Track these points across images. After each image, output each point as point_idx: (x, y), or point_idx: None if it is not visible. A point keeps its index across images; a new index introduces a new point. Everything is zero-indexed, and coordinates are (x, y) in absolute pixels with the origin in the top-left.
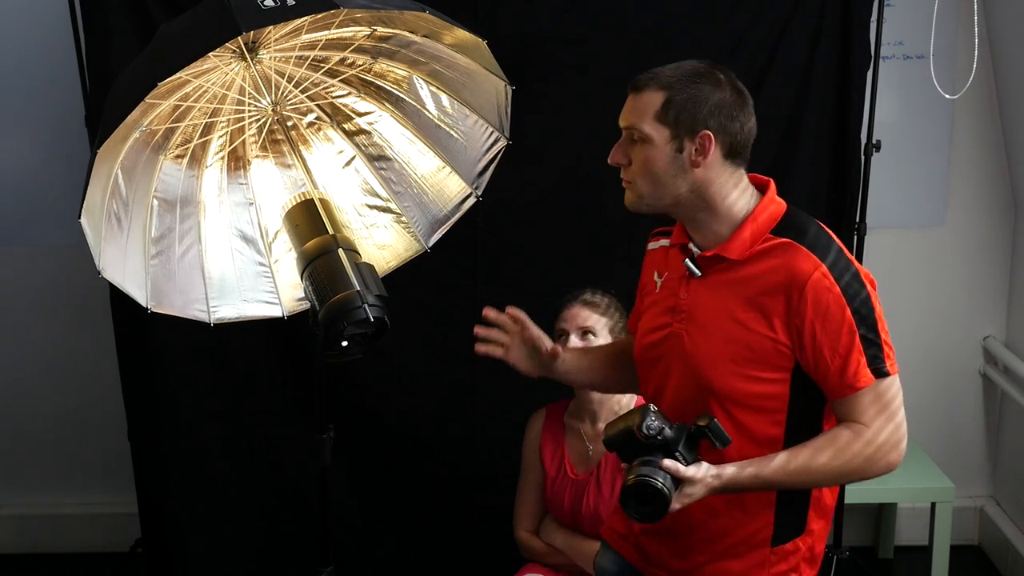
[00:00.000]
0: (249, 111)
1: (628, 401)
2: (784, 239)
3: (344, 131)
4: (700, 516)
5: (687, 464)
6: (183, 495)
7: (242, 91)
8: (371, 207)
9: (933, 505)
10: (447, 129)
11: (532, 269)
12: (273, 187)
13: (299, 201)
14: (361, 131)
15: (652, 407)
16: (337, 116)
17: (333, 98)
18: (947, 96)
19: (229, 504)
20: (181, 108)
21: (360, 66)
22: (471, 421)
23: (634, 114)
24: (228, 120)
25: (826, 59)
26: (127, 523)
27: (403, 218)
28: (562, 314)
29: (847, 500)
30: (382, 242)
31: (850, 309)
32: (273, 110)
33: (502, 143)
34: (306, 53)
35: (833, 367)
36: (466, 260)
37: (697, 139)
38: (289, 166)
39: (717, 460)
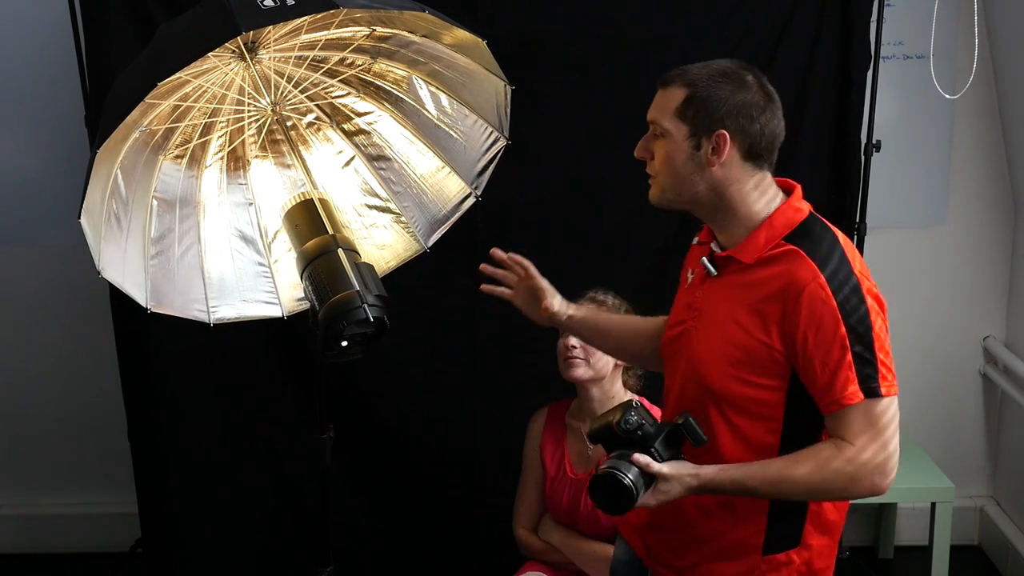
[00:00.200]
0: (249, 111)
1: None
2: (792, 247)
3: (343, 131)
4: (694, 515)
5: (661, 460)
6: (183, 495)
7: (241, 91)
8: (370, 207)
9: (933, 505)
10: (446, 129)
11: None
12: (272, 187)
13: (299, 201)
14: (360, 131)
15: (635, 402)
16: (336, 116)
17: (332, 98)
18: (947, 96)
19: (229, 504)
20: (181, 108)
21: (359, 66)
22: (471, 421)
23: (658, 109)
24: (228, 120)
25: (826, 59)
26: (127, 523)
27: (402, 218)
28: None
29: None
30: (382, 242)
31: (844, 324)
32: (272, 110)
33: (502, 143)
34: (306, 53)
35: (821, 380)
36: (466, 260)
37: (713, 138)
38: (289, 166)
39: (712, 461)
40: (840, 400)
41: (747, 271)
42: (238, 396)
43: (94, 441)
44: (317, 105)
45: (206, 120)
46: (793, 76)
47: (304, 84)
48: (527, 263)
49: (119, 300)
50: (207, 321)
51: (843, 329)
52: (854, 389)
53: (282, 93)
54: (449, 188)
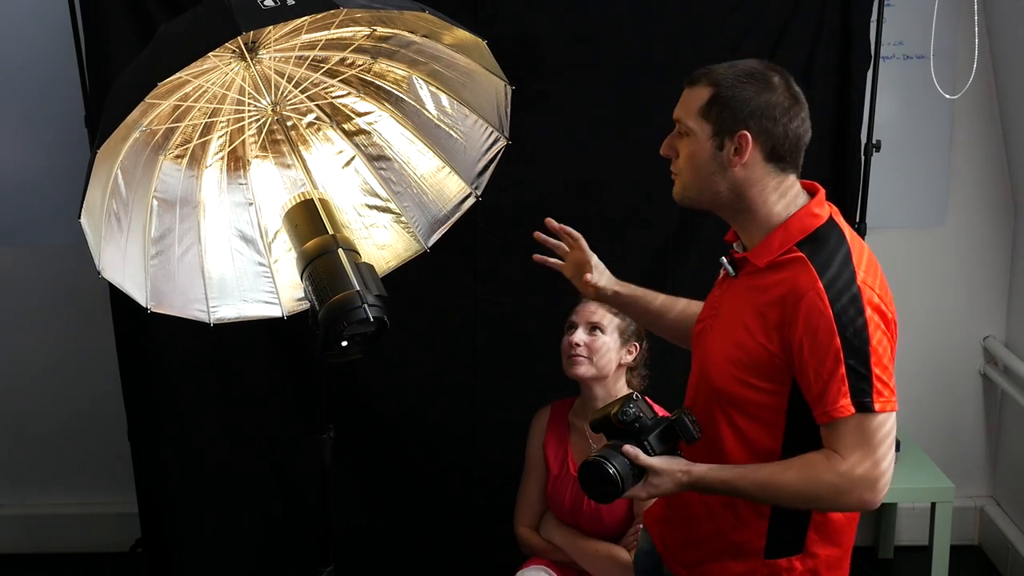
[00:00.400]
0: (249, 111)
1: None
2: (800, 253)
3: (344, 131)
4: (700, 511)
5: (653, 454)
6: (183, 495)
7: (242, 91)
8: (371, 207)
9: (933, 505)
10: (447, 129)
11: (532, 269)
12: (273, 187)
13: (299, 201)
14: (361, 131)
15: (635, 395)
16: (337, 116)
17: (333, 98)
18: (947, 96)
19: (229, 504)
20: (181, 108)
21: (360, 66)
22: (471, 421)
23: (683, 107)
24: (228, 120)
25: (826, 59)
26: (127, 523)
27: (403, 218)
28: (576, 307)
29: None
30: (382, 242)
31: (840, 335)
32: (273, 110)
33: (502, 143)
34: (306, 53)
35: (815, 389)
36: (466, 260)
37: (736, 138)
38: (289, 166)
39: (714, 461)
40: (830, 412)
41: (759, 274)
42: (238, 396)
43: (94, 441)
44: (317, 105)
45: (206, 120)
46: (793, 76)
47: (304, 84)
48: (577, 235)
49: (119, 300)
50: (207, 321)
51: (838, 340)
52: (846, 402)
53: (282, 93)
54: (449, 188)
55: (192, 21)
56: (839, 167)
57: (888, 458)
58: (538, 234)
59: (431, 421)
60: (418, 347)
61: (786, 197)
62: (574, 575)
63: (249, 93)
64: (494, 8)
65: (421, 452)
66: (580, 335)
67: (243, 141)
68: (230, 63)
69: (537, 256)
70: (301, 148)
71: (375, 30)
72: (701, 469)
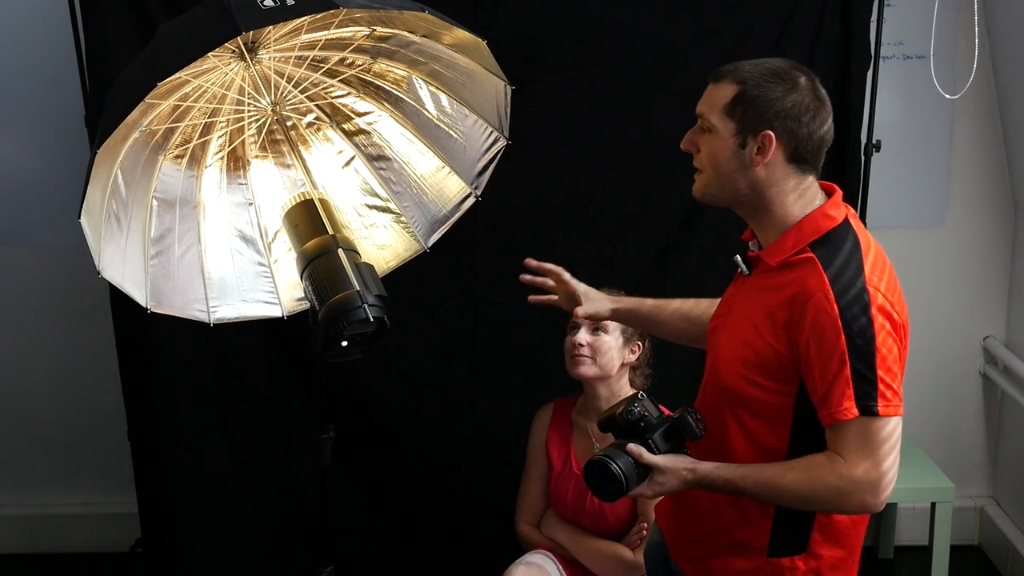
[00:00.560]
0: (249, 111)
1: None
2: (811, 254)
3: (343, 131)
4: (706, 507)
5: (657, 452)
6: (183, 495)
7: (241, 91)
8: (371, 207)
9: (933, 505)
10: (446, 129)
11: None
12: (272, 187)
13: (299, 201)
14: (360, 131)
15: (641, 395)
16: (336, 116)
17: (332, 98)
18: (947, 96)
19: (229, 504)
20: (181, 108)
21: (359, 66)
22: (471, 421)
23: (707, 104)
24: (228, 120)
25: (826, 59)
26: (127, 523)
27: (403, 218)
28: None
29: None
30: (382, 242)
31: (846, 338)
32: (272, 110)
33: (502, 143)
34: (306, 53)
35: (820, 390)
36: (466, 260)
37: (760, 138)
38: (289, 166)
39: (721, 459)
40: (834, 414)
41: (771, 274)
42: (238, 396)
43: (94, 441)
44: (317, 105)
45: (206, 120)
46: None
47: (304, 84)
48: (558, 270)
49: (119, 300)
50: (207, 321)
51: (844, 343)
52: (849, 405)
53: (282, 93)
54: (449, 188)
55: (192, 21)
56: (839, 167)
57: (892, 462)
58: (523, 277)
59: (431, 421)
60: (418, 347)
61: (804, 198)
62: (577, 569)
63: (249, 93)
64: (494, 8)
65: (421, 452)
66: (583, 335)
67: (243, 141)
68: (230, 63)
69: (532, 298)
70: (301, 148)
71: (375, 30)
72: (706, 467)
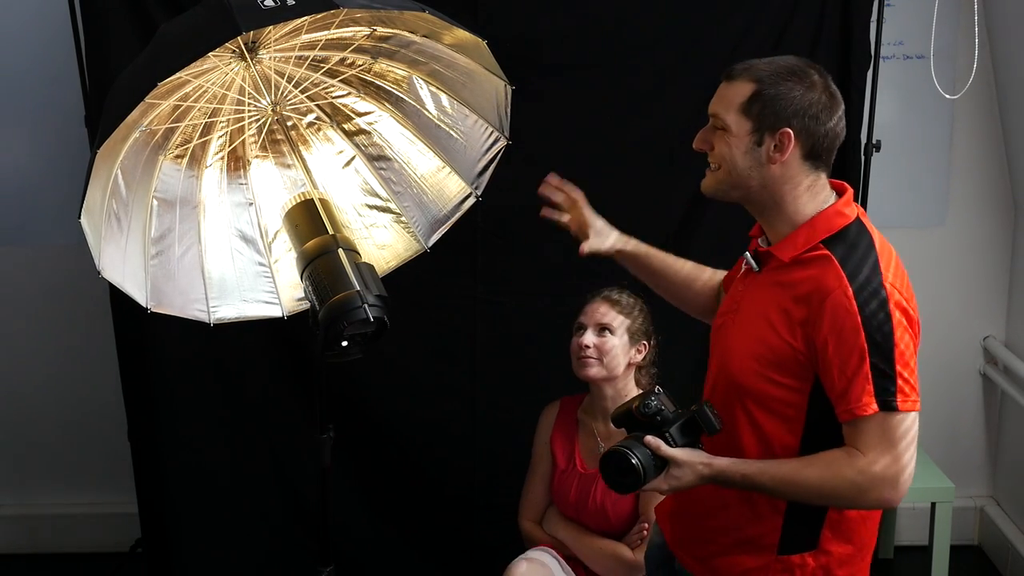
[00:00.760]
0: (249, 111)
1: None
2: (826, 251)
3: (344, 131)
4: (715, 504)
5: (675, 446)
6: (183, 495)
7: (242, 91)
8: (371, 207)
9: (933, 505)
10: (447, 129)
11: (532, 269)
12: (273, 187)
13: (299, 201)
14: (361, 131)
15: (657, 389)
16: (337, 116)
17: (333, 98)
18: (947, 96)
19: (229, 504)
20: (181, 108)
21: (360, 66)
22: (471, 421)
23: (721, 103)
24: (228, 120)
25: (826, 59)
26: (127, 523)
27: (403, 218)
28: (584, 307)
29: None
30: (382, 242)
31: (865, 334)
32: (273, 110)
33: (502, 143)
34: (306, 53)
35: (838, 387)
36: (466, 260)
37: (777, 136)
38: (289, 166)
39: (733, 455)
40: (854, 409)
41: (783, 270)
42: (238, 396)
43: (94, 441)
44: (317, 105)
45: (206, 120)
46: None
47: (304, 84)
48: (577, 195)
49: (119, 300)
50: (207, 321)
51: (863, 339)
52: (869, 400)
53: (282, 93)
54: (449, 188)
55: (192, 21)
56: (839, 167)
57: (910, 457)
58: (541, 191)
59: (431, 421)
60: (418, 347)
61: (816, 195)
62: (578, 567)
63: (249, 93)
64: (494, 8)
65: (421, 452)
66: (589, 337)
67: (243, 141)
68: (230, 63)
69: (545, 211)
70: (301, 148)
71: (375, 30)
72: (723, 462)
